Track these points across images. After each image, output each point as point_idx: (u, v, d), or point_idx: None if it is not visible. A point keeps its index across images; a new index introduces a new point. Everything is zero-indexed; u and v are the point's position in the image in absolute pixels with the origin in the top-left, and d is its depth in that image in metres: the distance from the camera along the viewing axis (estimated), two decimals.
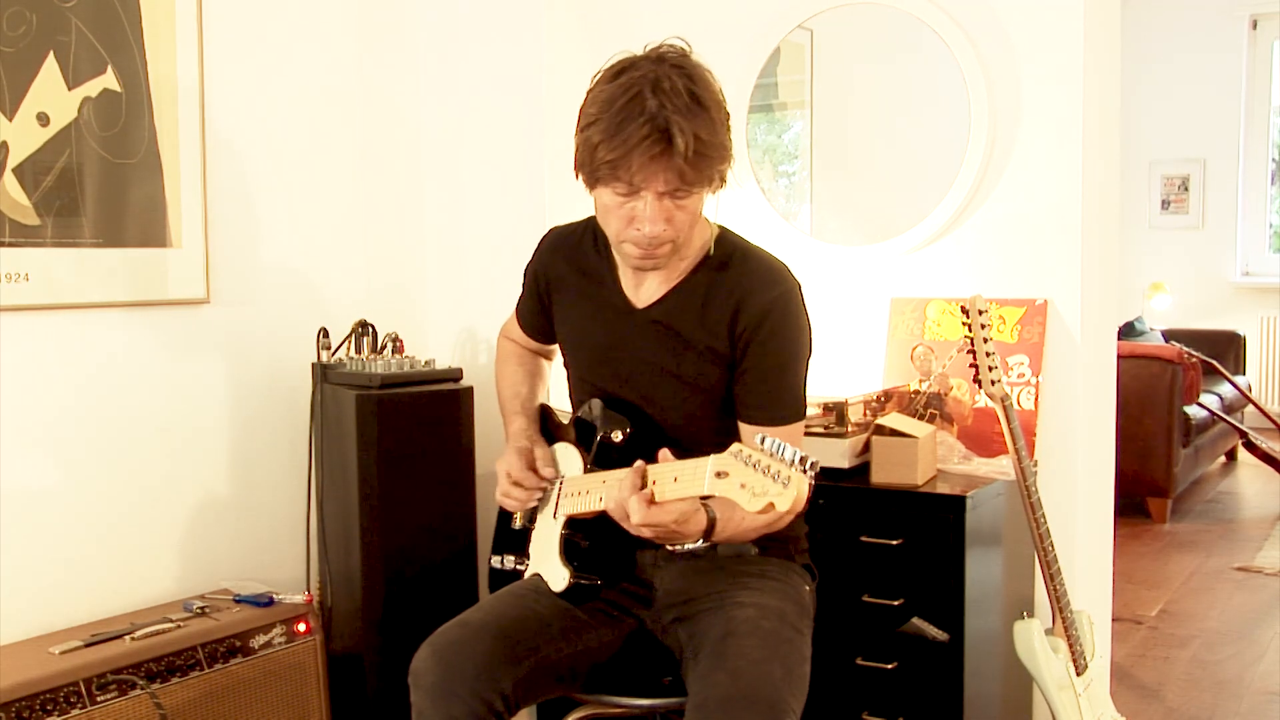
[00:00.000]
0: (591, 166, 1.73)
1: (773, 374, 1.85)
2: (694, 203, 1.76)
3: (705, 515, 1.68)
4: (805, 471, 1.38)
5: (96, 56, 2.35)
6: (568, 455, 1.97)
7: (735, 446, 1.47)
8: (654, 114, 1.65)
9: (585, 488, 1.83)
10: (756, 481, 1.42)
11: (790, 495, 1.38)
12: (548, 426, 2.10)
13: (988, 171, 2.68)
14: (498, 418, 2.19)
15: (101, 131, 2.37)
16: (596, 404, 1.92)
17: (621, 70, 1.72)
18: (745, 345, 1.84)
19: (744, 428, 1.87)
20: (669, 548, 1.72)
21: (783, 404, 1.86)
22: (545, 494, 2.00)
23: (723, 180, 1.79)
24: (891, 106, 2.98)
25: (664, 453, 1.65)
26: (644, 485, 1.62)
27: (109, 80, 2.37)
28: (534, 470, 1.95)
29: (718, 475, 1.48)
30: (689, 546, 1.71)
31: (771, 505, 1.40)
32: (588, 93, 1.76)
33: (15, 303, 2.25)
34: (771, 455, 1.41)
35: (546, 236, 2.09)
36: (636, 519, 1.61)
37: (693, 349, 1.87)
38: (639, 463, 1.65)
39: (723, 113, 1.75)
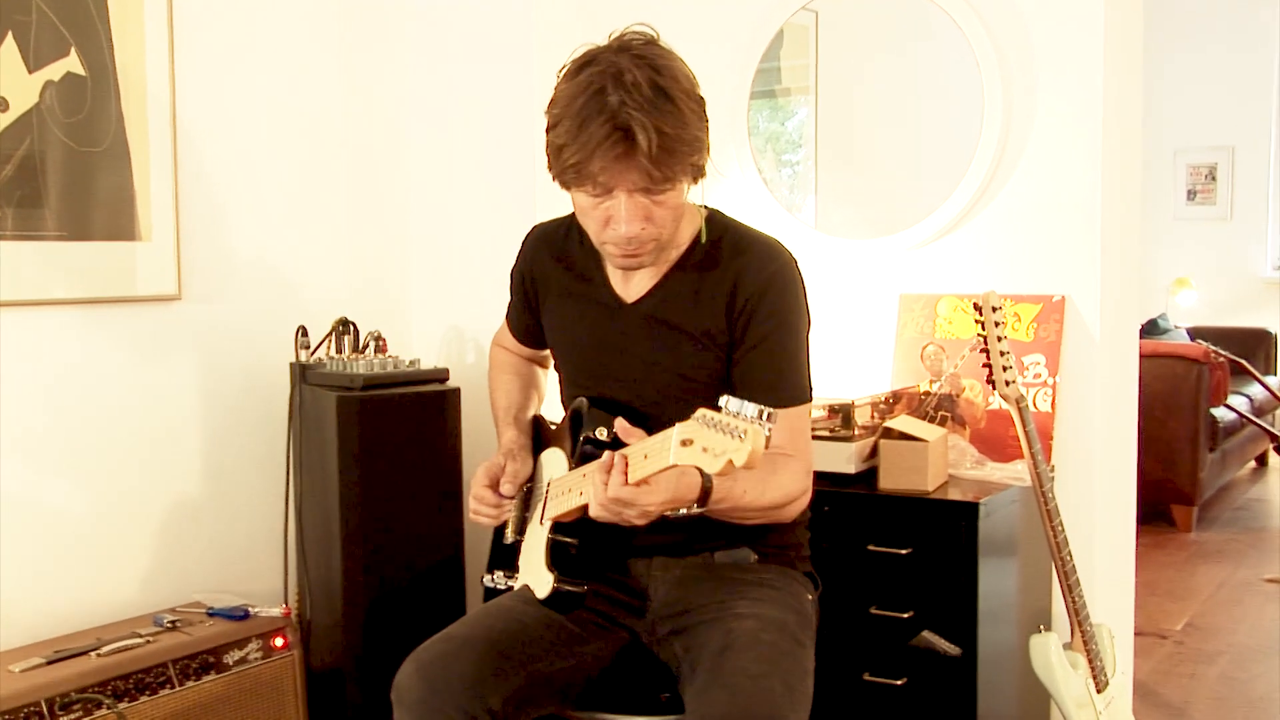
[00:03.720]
0: (559, 169, 1.73)
1: (774, 353, 1.85)
2: (672, 197, 1.75)
3: (694, 478, 1.68)
4: (764, 424, 1.40)
5: (59, 38, 2.35)
6: (554, 459, 1.98)
7: (700, 411, 1.48)
8: (614, 111, 1.65)
9: (567, 486, 1.84)
10: (716, 442, 1.43)
11: (746, 449, 1.39)
12: (541, 436, 2.11)
13: (1002, 161, 2.69)
14: (486, 420, 2.19)
15: (65, 118, 2.36)
16: (583, 403, 1.92)
17: (584, 65, 1.71)
18: (745, 325, 1.85)
19: None
20: (667, 515, 1.71)
21: (786, 384, 1.86)
22: (532, 503, 2.01)
23: (700, 172, 1.77)
24: (900, 92, 2.98)
25: (620, 423, 1.67)
26: (624, 470, 1.63)
27: (73, 63, 2.37)
28: (495, 487, 1.96)
29: (683, 444, 1.49)
30: (683, 511, 1.70)
31: (730, 463, 1.41)
32: (554, 89, 1.75)
33: None
34: (734, 415, 1.43)
35: (530, 234, 2.09)
36: (632, 504, 1.62)
37: (689, 339, 1.88)
38: (606, 454, 1.65)
39: (693, 102, 1.72)
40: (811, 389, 1.91)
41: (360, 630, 2.50)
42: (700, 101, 1.75)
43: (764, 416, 1.41)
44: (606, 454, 1.67)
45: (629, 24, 1.77)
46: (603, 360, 1.95)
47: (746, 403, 1.43)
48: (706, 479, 1.69)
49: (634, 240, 1.76)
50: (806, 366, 1.90)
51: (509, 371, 2.21)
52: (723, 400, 1.45)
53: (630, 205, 1.73)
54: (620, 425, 1.69)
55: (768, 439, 1.40)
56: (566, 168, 1.71)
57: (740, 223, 1.94)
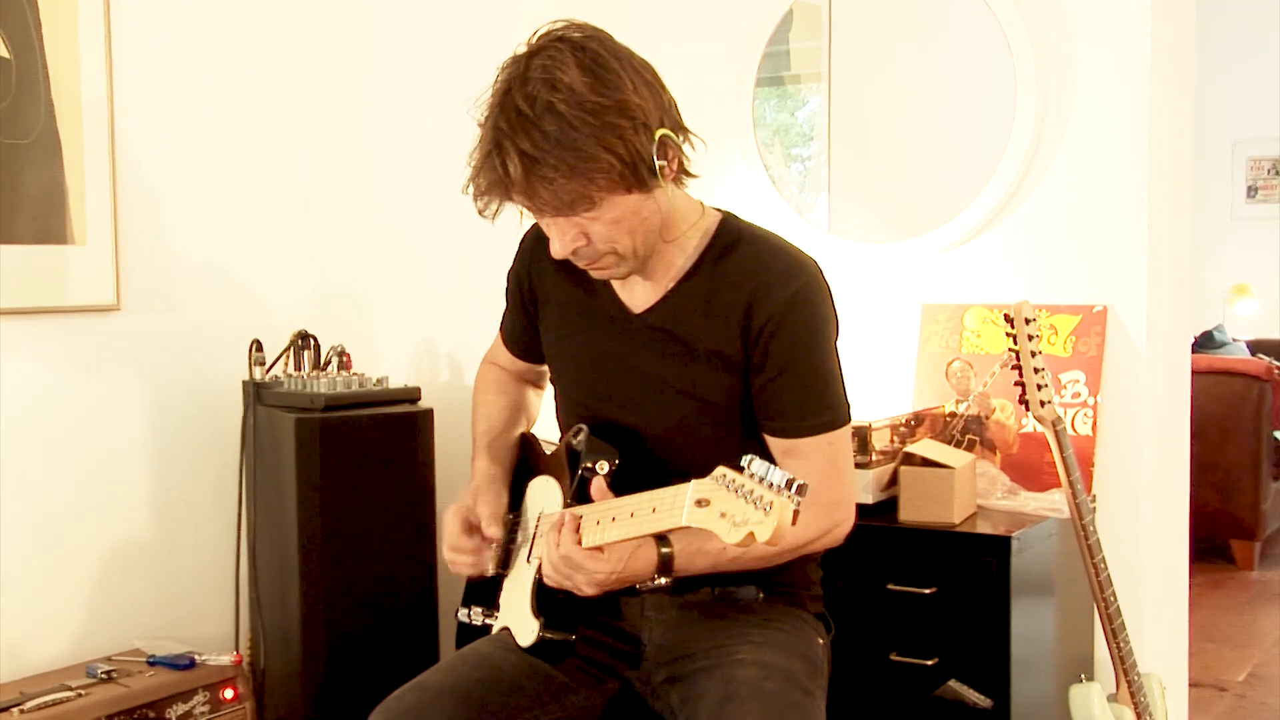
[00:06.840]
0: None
1: (799, 381, 1.86)
2: (608, 212, 1.74)
3: (650, 552, 1.74)
4: (792, 497, 1.41)
5: None
6: (548, 489, 1.97)
7: (719, 470, 1.50)
8: (491, 131, 1.71)
9: None
10: (738, 509, 1.45)
11: (771, 524, 1.41)
12: (530, 459, 2.11)
13: (1037, 155, 2.69)
14: (461, 444, 2.19)
15: None
16: (583, 430, 1.92)
17: (502, 70, 1.75)
18: (765, 350, 1.84)
19: (774, 442, 1.88)
20: (636, 587, 1.79)
21: (822, 409, 1.86)
22: (518, 535, 2.01)
23: (633, 187, 1.73)
24: (923, 79, 2.99)
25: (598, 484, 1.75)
26: (576, 531, 1.70)
27: None
28: (475, 529, 1.96)
29: (698, 504, 1.51)
30: (653, 583, 1.77)
31: (752, 535, 1.43)
32: None
33: None
34: (759, 479, 1.44)
35: (528, 234, 2.08)
36: (580, 568, 1.69)
37: (700, 357, 1.88)
38: (558, 512, 1.72)
39: (598, 119, 1.68)
40: (848, 407, 1.91)
41: (320, 680, 2.50)
42: (621, 108, 1.70)
43: (793, 488, 1.42)
44: (558, 512, 1.73)
45: (554, 21, 1.78)
46: (605, 377, 1.95)
47: (774, 468, 1.44)
48: (666, 546, 1.75)
49: (579, 256, 1.80)
50: (840, 385, 1.90)
51: (493, 390, 2.19)
52: (745, 460, 1.46)
53: (556, 224, 1.76)
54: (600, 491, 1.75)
55: (795, 513, 1.42)
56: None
57: (758, 228, 1.94)
